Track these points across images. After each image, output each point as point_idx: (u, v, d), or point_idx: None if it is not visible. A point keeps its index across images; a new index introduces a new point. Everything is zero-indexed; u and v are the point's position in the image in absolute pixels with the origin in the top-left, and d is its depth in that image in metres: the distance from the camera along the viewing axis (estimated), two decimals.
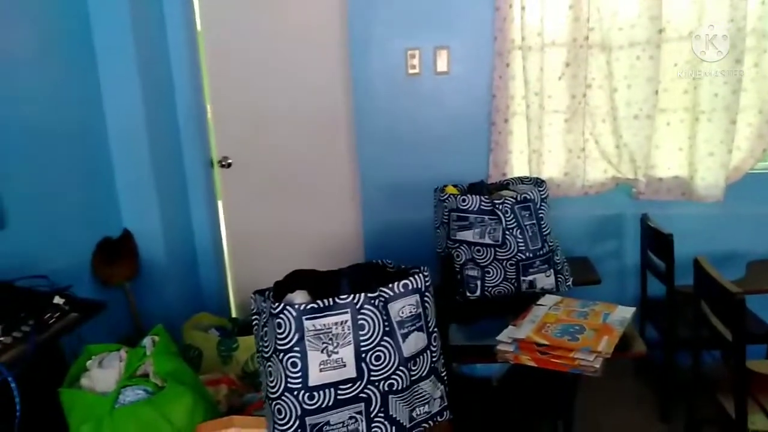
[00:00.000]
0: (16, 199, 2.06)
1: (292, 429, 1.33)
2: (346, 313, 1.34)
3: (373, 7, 2.62)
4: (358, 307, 1.35)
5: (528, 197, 1.98)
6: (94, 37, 2.47)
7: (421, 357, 1.45)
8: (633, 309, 1.72)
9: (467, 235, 2.04)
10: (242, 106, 2.95)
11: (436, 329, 1.50)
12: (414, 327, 1.43)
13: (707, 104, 2.44)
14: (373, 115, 2.73)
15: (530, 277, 2.02)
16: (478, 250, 2.03)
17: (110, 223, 2.64)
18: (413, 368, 1.43)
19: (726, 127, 2.42)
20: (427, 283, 1.48)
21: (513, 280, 2.03)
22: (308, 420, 1.33)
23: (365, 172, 2.81)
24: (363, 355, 1.35)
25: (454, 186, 2.21)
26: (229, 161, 3.04)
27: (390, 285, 1.41)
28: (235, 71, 2.92)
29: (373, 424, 1.39)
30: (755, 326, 2.19)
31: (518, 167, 2.66)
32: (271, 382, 1.33)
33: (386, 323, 1.38)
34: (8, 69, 2.08)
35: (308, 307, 1.31)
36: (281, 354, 1.31)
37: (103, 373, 1.63)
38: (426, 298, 1.47)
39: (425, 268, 1.48)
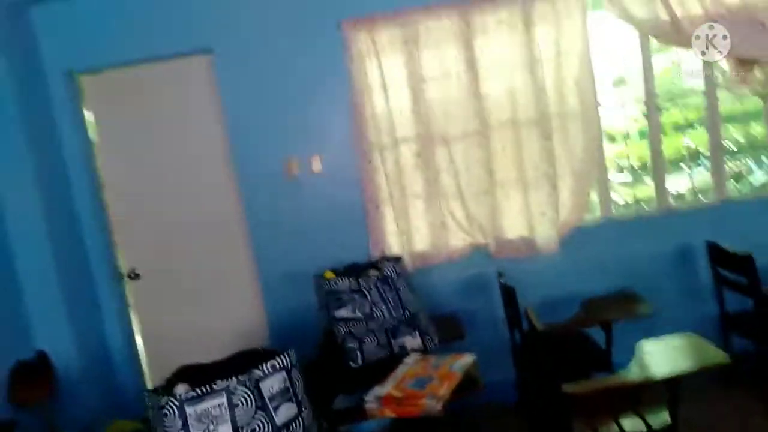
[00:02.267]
0: None
1: None
2: (222, 396, 1.65)
3: (250, 128, 3.05)
4: (231, 389, 1.66)
5: (387, 274, 2.39)
6: None
7: (294, 423, 1.76)
8: (473, 357, 2.11)
9: (342, 313, 2.40)
10: (144, 218, 3.24)
11: (305, 398, 1.81)
12: (284, 399, 1.74)
13: (531, 175, 3.00)
14: (261, 214, 3.11)
15: (400, 341, 2.39)
16: (353, 324, 2.39)
17: (22, 346, 2.81)
18: None
19: (548, 191, 2.98)
20: (293, 362, 1.81)
21: (386, 346, 2.39)
22: None
23: (262, 266, 3.15)
24: (240, 430, 1.64)
25: (332, 270, 2.59)
26: (137, 272, 3.29)
27: (259, 366, 1.73)
28: (133, 185, 3.23)
29: None
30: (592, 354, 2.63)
31: (394, 244, 3.08)
32: None
33: (258, 400, 1.69)
34: None
35: (188, 395, 1.61)
36: None
37: None
38: (293, 374, 1.79)
39: (291, 349, 1.82)
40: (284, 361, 1.78)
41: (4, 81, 2.76)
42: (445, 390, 1.88)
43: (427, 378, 1.99)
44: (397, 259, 2.52)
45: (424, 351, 2.42)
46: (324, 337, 2.41)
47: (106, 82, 3.18)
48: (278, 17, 3.02)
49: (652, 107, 3.08)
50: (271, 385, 1.73)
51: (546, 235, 3.01)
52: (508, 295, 2.62)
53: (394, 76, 3.00)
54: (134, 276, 3.30)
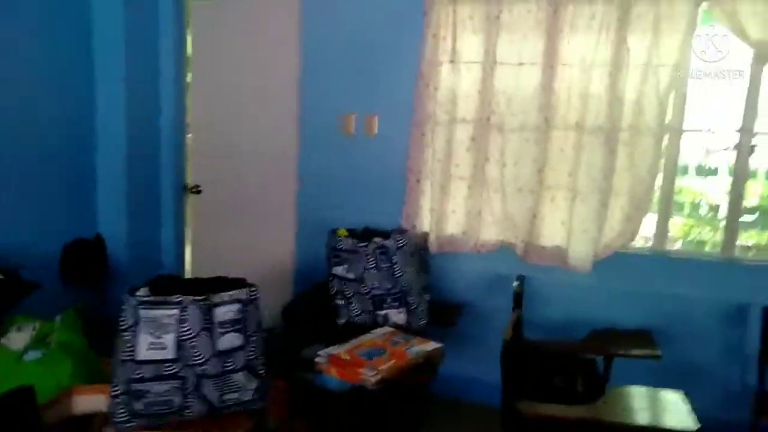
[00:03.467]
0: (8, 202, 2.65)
1: (121, 392, 1.77)
2: (175, 308, 1.80)
3: (321, 74, 3.15)
4: (185, 305, 1.80)
5: (386, 245, 2.40)
6: (95, 61, 3.11)
7: (236, 354, 1.87)
8: (439, 345, 2.09)
9: (338, 270, 2.47)
10: (214, 139, 3.50)
11: (255, 334, 1.92)
12: (231, 329, 1.86)
13: (583, 186, 2.79)
14: (313, 160, 3.23)
15: (383, 312, 2.42)
16: (344, 284, 2.45)
17: (86, 227, 3.21)
18: (226, 360, 1.85)
19: (597, 209, 2.76)
20: (252, 297, 1.91)
21: (370, 313, 2.43)
22: (134, 386, 1.77)
23: (301, 209, 3.29)
24: (182, 342, 1.79)
25: (347, 230, 2.65)
26: (200, 188, 3.59)
27: (219, 293, 1.86)
28: (212, 106, 3.48)
29: (187, 400, 1.82)
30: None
31: (426, 221, 3.06)
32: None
33: (207, 322, 1.82)
34: (26, 94, 2.75)
35: (144, 299, 1.78)
36: (121, 333, 1.78)
37: (18, 336, 2.14)
38: (247, 308, 1.90)
39: (254, 285, 1.93)
40: (243, 294, 1.89)
41: None
42: (387, 367, 1.90)
43: (379, 351, 2.02)
44: (402, 233, 2.51)
45: (408, 328, 2.43)
46: (314, 287, 2.50)
47: (209, 6, 3.42)
48: None
49: (745, 143, 2.71)
50: (224, 312, 1.86)
51: (582, 252, 2.81)
52: (515, 301, 2.52)
53: (468, 54, 2.91)
54: (196, 190, 3.60)
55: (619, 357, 2.42)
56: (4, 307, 2.22)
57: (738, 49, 2.64)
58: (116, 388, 1.78)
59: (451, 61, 2.91)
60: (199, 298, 1.82)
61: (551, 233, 2.92)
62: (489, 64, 2.87)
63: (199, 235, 3.65)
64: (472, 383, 2.91)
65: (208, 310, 1.84)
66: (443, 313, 2.67)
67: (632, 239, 2.82)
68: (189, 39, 3.46)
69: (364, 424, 2.21)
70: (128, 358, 1.77)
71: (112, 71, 3.13)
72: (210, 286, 1.93)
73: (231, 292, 1.88)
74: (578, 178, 2.80)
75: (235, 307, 1.88)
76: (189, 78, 3.50)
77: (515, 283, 2.63)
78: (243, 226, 3.52)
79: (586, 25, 2.74)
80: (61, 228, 3.03)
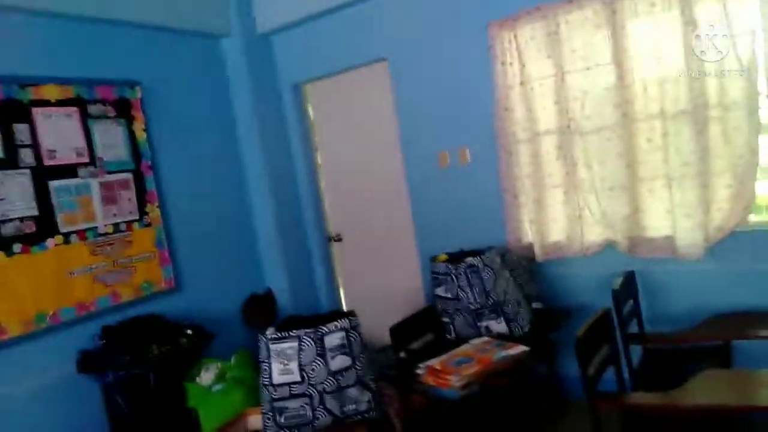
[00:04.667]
0: (191, 272, 3.53)
1: (267, 410, 2.32)
2: (295, 341, 2.31)
3: (414, 123, 3.56)
4: (301, 338, 2.31)
5: (473, 264, 2.66)
6: (243, 157, 3.96)
7: (347, 372, 2.32)
8: (525, 349, 2.28)
9: (439, 291, 2.80)
10: (343, 193, 4.12)
11: (362, 354, 2.34)
12: (340, 352, 2.31)
13: (678, 172, 2.73)
14: (422, 199, 3.62)
15: (484, 323, 2.67)
16: (445, 302, 2.76)
17: (257, 283, 4.00)
18: (340, 378, 2.30)
19: (698, 192, 2.67)
20: (353, 325, 2.35)
21: (473, 326, 2.69)
22: (275, 404, 2.31)
23: (420, 243, 3.67)
24: (303, 367, 2.29)
25: (447, 254, 2.97)
26: (340, 236, 4.21)
27: (324, 325, 2.33)
28: (336, 166, 4.12)
29: (316, 412, 2.30)
30: None
31: (529, 233, 3.22)
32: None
33: (320, 348, 2.30)
34: (205, 199, 3.67)
35: (272, 336, 2.32)
36: (261, 364, 2.34)
37: (206, 374, 2.85)
38: (351, 334, 2.34)
39: (353, 313, 2.37)
40: (345, 324, 2.34)
41: (249, 92, 3.90)
42: (471, 372, 2.15)
43: (467, 359, 2.28)
44: (486, 251, 2.74)
45: (510, 336, 2.63)
46: (423, 309, 2.84)
47: (321, 89, 4.08)
48: (435, 24, 3.39)
49: None
50: (332, 339, 2.32)
51: (690, 239, 2.73)
52: (615, 299, 2.57)
53: (537, 71, 3.07)
54: (338, 239, 4.22)
55: (739, 340, 2.32)
56: (195, 354, 2.98)
57: None
58: (263, 407, 2.33)
59: (521, 83, 3.10)
60: (310, 330, 2.31)
61: (656, 224, 2.88)
62: (558, 74, 3.00)
63: (347, 276, 4.24)
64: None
65: (319, 339, 2.31)
66: (551, 319, 2.80)
67: (746, 216, 2.65)
68: (311, 115, 4.17)
69: (475, 426, 2.47)
70: (267, 383, 2.31)
71: (255, 163, 3.95)
72: (322, 320, 2.42)
73: (336, 323, 2.34)
74: (671, 165, 2.75)
75: (341, 334, 2.33)
76: (316, 148, 4.19)
77: (616, 281, 2.66)
78: (380, 263, 4.02)
79: (647, 12, 2.74)
80: (237, 287, 3.84)
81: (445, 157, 3.49)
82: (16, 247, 2.78)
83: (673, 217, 2.79)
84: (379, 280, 4.03)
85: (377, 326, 2.70)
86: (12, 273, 2.76)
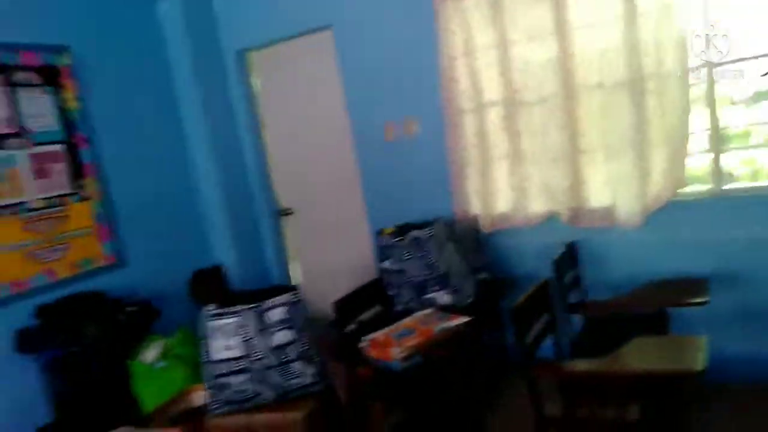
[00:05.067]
0: (135, 247, 3.41)
1: (211, 386, 2.28)
2: (234, 317, 2.27)
3: (360, 93, 3.50)
4: (242, 313, 2.27)
5: (417, 236, 2.67)
6: (185, 130, 3.82)
7: (290, 347, 2.30)
8: (465, 319, 2.31)
9: (386, 264, 2.80)
10: (290, 165, 4.04)
11: (304, 329, 2.32)
12: (282, 327, 2.29)
13: (616, 144, 2.78)
14: (370, 170, 3.59)
15: (429, 296, 2.69)
16: (392, 275, 2.76)
17: (204, 259, 3.91)
18: (283, 353, 2.28)
19: (635, 163, 2.74)
20: (296, 299, 2.32)
21: (418, 299, 2.71)
22: (218, 380, 2.28)
23: (371, 213, 3.65)
24: (245, 342, 2.25)
25: (394, 227, 2.96)
26: (291, 210, 4.14)
27: (266, 300, 2.29)
28: (283, 138, 4.03)
29: (259, 387, 2.28)
30: None
31: (475, 204, 3.24)
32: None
33: (261, 324, 2.27)
34: (148, 172, 3.53)
35: (212, 312, 2.28)
36: (201, 341, 2.29)
37: (149, 352, 2.79)
38: (293, 309, 2.32)
39: (297, 288, 2.34)
40: (287, 299, 2.31)
41: (189, 60, 3.74)
42: (412, 344, 2.17)
43: (409, 331, 2.29)
44: (430, 223, 2.75)
45: (455, 307, 2.67)
46: (369, 282, 2.84)
47: (266, 57, 3.95)
48: None
49: None
50: (274, 314, 2.29)
51: (628, 208, 2.80)
52: (556, 269, 2.61)
53: (482, 41, 3.05)
54: (288, 212, 4.15)
55: (668, 307, 2.41)
56: (140, 331, 2.91)
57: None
58: (206, 384, 2.30)
59: (466, 53, 3.07)
60: (251, 306, 2.28)
61: (597, 195, 2.94)
62: (502, 45, 2.98)
63: (299, 250, 4.20)
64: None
65: (261, 315, 2.28)
66: (497, 289, 2.85)
67: (681, 186, 2.74)
68: (256, 85, 4.04)
69: (419, 397, 2.50)
70: (208, 359, 2.28)
71: (199, 134, 3.81)
72: (264, 295, 2.38)
73: (277, 298, 2.31)
74: (610, 136, 2.80)
75: (283, 309, 2.30)
76: (261, 120, 4.08)
77: (557, 252, 2.72)
78: (331, 237, 3.99)
79: None
80: (184, 262, 3.74)
81: (391, 128, 3.45)
82: None
83: (613, 187, 2.85)
84: (332, 254, 4.01)
85: (330, 299, 2.67)
86: None
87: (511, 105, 3.03)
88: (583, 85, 2.85)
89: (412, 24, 3.24)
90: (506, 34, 2.96)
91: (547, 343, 2.29)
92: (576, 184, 2.94)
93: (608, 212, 2.90)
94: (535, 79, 2.94)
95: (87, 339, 2.70)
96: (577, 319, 2.75)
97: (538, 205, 3.10)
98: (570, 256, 2.83)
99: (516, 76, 2.98)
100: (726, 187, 2.75)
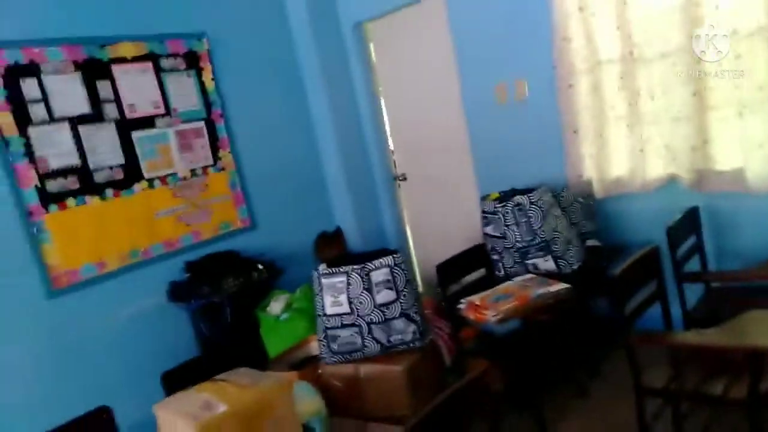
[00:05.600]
0: (265, 212, 3.80)
1: (323, 337, 2.54)
2: (343, 276, 2.49)
3: (472, 61, 3.49)
4: (349, 273, 2.48)
5: (519, 203, 2.66)
6: (308, 100, 4.11)
7: (392, 305, 2.47)
8: (566, 286, 2.30)
9: (488, 230, 2.84)
10: (407, 135, 4.17)
11: (406, 289, 2.47)
12: (385, 287, 2.46)
13: (750, 98, 2.50)
14: (480, 134, 3.59)
15: (531, 261, 2.70)
16: (494, 241, 2.80)
17: (327, 223, 4.22)
18: (386, 311, 2.46)
19: None
20: (397, 262, 2.48)
21: (521, 263, 2.73)
22: (329, 332, 2.53)
23: (480, 180, 3.68)
24: (352, 300, 2.47)
25: (499, 192, 2.97)
26: (405, 176, 4.29)
27: (371, 262, 2.48)
28: (399, 105, 4.17)
29: (365, 340, 2.49)
30: None
31: (589, 168, 3.12)
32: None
33: (366, 283, 2.47)
34: (275, 143, 3.88)
35: (323, 272, 2.51)
36: (315, 296, 2.55)
37: (276, 304, 3.14)
38: (395, 270, 2.48)
39: (397, 251, 2.49)
40: (390, 261, 2.47)
41: (310, 34, 3.97)
42: (507, 308, 2.22)
43: (507, 296, 2.34)
44: (532, 190, 2.72)
45: (558, 274, 2.65)
46: (474, 247, 2.90)
47: (381, 27, 4.07)
48: None
49: None
50: (378, 275, 2.47)
51: (762, 170, 2.53)
52: (669, 237, 2.47)
53: None
54: (403, 179, 4.31)
55: None
56: (266, 288, 3.27)
57: None
58: (319, 335, 2.56)
59: (580, 8, 2.92)
60: (358, 266, 2.47)
61: (725, 157, 2.68)
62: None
63: (412, 214, 4.36)
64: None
65: (366, 275, 2.47)
66: (606, 256, 2.76)
67: None
68: (372, 55, 4.19)
69: (525, 360, 2.55)
70: (321, 313, 2.53)
71: (321, 106, 4.07)
72: (370, 257, 2.56)
73: (381, 260, 2.48)
74: (744, 90, 2.53)
75: (386, 270, 2.47)
76: (379, 88, 4.23)
77: (675, 218, 2.55)
78: (442, 201, 4.09)
79: None
80: (308, 225, 4.07)
81: (502, 89, 3.41)
82: (109, 192, 3.15)
83: (745, 148, 2.59)
84: (442, 218, 4.11)
85: (440, 260, 2.77)
86: (107, 215, 3.14)
87: (630, 62, 2.84)
88: (712, 34, 2.59)
89: None
90: None
91: (659, 311, 2.21)
92: (701, 144, 2.70)
93: (738, 175, 2.63)
94: (656, 31, 2.72)
95: (225, 291, 3.11)
96: (699, 290, 2.59)
97: (657, 169, 2.90)
98: (690, 223, 2.64)
99: (635, 29, 2.78)
100: None
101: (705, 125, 2.69)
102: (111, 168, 3.17)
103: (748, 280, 2.39)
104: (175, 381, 2.04)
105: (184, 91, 3.48)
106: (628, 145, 2.96)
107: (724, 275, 2.45)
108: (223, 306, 3.10)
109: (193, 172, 3.50)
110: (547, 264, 2.66)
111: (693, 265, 2.62)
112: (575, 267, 2.65)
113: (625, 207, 3.05)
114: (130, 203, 3.23)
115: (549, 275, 2.60)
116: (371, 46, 4.19)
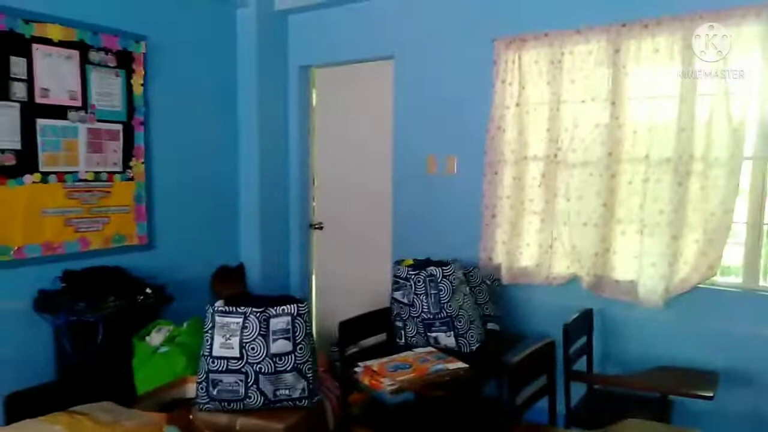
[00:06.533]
0: (166, 232, 3.54)
1: (203, 379, 2.34)
2: (239, 317, 2.33)
3: (409, 127, 3.57)
4: (247, 315, 2.32)
5: (432, 273, 2.68)
6: (238, 127, 3.98)
7: (286, 357, 2.33)
8: (464, 366, 2.29)
9: (397, 295, 2.81)
10: (330, 183, 4.14)
11: (303, 342, 2.35)
12: (283, 336, 2.33)
13: (651, 219, 2.73)
14: (405, 198, 3.63)
15: (434, 335, 2.68)
16: (401, 308, 2.77)
17: (232, 256, 4.02)
18: (278, 362, 2.32)
19: (667, 242, 2.68)
20: (301, 311, 2.37)
21: (422, 335, 2.71)
22: (211, 375, 2.33)
23: (396, 241, 3.69)
24: (244, 344, 2.30)
25: (414, 260, 2.98)
26: (322, 225, 4.22)
27: (273, 307, 2.34)
28: (329, 155, 4.15)
29: (249, 390, 2.31)
30: None
31: (501, 254, 3.22)
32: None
33: (263, 329, 2.32)
34: (193, 164, 3.67)
35: (219, 309, 2.34)
36: (204, 333, 2.36)
37: (157, 335, 2.88)
38: (297, 321, 2.36)
39: (303, 300, 2.38)
40: (293, 309, 2.36)
41: (256, 66, 3.91)
42: (404, 379, 2.17)
43: (405, 365, 2.29)
44: (446, 264, 2.75)
45: (457, 352, 2.64)
46: (378, 311, 2.85)
47: (328, 75, 4.10)
48: (444, 31, 3.40)
49: None
50: (278, 322, 2.33)
51: (652, 287, 2.73)
52: (564, 336, 2.56)
53: (535, 95, 3.07)
54: (319, 226, 4.23)
55: (672, 395, 2.33)
56: (151, 314, 3.00)
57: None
58: (199, 377, 2.35)
59: (518, 104, 3.10)
60: (258, 310, 2.33)
61: (624, 267, 2.88)
62: (555, 103, 3.00)
63: (321, 263, 4.26)
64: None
65: (265, 321, 2.33)
66: (503, 341, 2.81)
67: (711, 275, 2.66)
68: (313, 100, 4.18)
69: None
70: (207, 353, 2.33)
71: (250, 135, 3.96)
72: (274, 302, 2.43)
73: (283, 307, 2.35)
74: (647, 211, 2.76)
75: (287, 318, 2.34)
76: (313, 134, 4.20)
77: (571, 317, 2.66)
78: (355, 257, 4.04)
79: (650, 57, 2.74)
80: (211, 255, 3.85)
81: (433, 160, 3.49)
82: None
83: (640, 262, 2.79)
84: (353, 274, 4.05)
85: (341, 317, 2.70)
86: None
87: (553, 163, 3.03)
88: (628, 155, 2.82)
89: (470, 68, 3.30)
90: (560, 92, 2.97)
91: (545, 404, 2.25)
92: (604, 251, 2.89)
93: (632, 287, 2.83)
94: (580, 141, 2.93)
95: (102, 310, 2.81)
96: (581, 389, 2.69)
97: (562, 266, 3.06)
98: (584, 323, 2.78)
99: (562, 135, 2.98)
100: (763, 283, 2.65)
101: (609, 235, 2.89)
102: (2, 151, 2.84)
103: (628, 387, 2.51)
104: (22, 405, 1.76)
105: (107, 90, 3.24)
106: (538, 240, 3.11)
107: (608, 379, 2.57)
108: (97, 326, 2.80)
109: (97, 175, 3.23)
110: (449, 340, 2.66)
111: (580, 364, 2.73)
112: (474, 348, 2.67)
113: (528, 296, 3.16)
114: (14, 194, 2.90)
115: (449, 351, 2.59)
116: (314, 90, 4.19)
